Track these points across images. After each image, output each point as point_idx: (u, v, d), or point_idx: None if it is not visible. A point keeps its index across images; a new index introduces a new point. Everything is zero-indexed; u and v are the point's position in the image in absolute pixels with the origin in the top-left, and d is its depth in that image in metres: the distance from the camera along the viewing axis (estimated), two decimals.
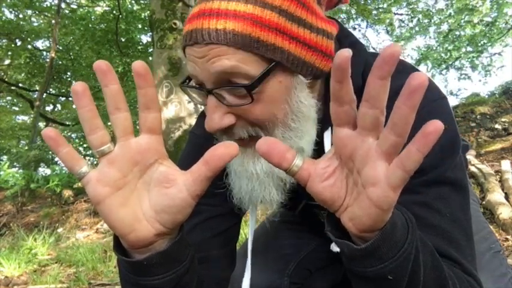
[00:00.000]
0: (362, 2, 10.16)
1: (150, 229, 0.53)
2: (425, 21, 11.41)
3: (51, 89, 12.44)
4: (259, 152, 0.50)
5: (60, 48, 11.45)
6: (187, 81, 0.73)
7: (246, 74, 0.63)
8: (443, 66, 12.66)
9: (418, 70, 0.80)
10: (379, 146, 0.45)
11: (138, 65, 0.49)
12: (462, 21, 10.74)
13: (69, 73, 12.35)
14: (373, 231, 0.49)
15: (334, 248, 0.76)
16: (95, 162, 0.57)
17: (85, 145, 10.97)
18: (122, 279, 0.62)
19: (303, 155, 0.52)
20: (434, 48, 12.39)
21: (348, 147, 0.48)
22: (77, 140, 11.96)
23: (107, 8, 11.21)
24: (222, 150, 0.51)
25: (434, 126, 0.40)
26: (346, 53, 0.43)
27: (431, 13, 11.09)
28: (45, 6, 11.29)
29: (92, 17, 11.21)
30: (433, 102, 0.71)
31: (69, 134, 12.77)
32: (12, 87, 11.74)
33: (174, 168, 0.54)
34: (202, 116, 0.96)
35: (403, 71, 0.76)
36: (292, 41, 0.65)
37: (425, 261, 0.54)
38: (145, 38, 11.93)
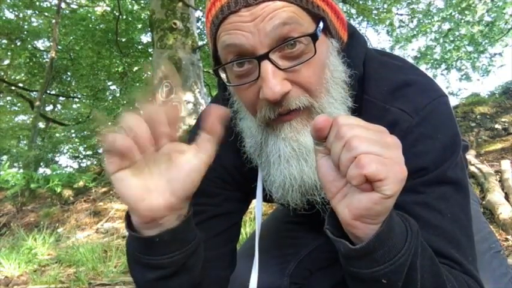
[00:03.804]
0: (362, 2, 10.16)
1: (160, 200, 0.55)
2: (426, 21, 11.39)
3: (51, 89, 12.42)
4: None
5: (60, 48, 11.43)
6: (218, 63, 0.71)
7: (301, 26, 0.64)
8: (444, 66, 12.65)
9: (417, 68, 0.80)
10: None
11: None
12: (462, 21, 10.72)
13: (69, 73, 12.33)
14: (367, 228, 0.49)
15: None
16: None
17: (85, 145, 10.94)
18: (130, 260, 0.63)
19: None
20: (433, 47, 12.37)
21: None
22: (77, 140, 11.94)
23: (107, 8, 11.20)
24: (213, 110, 0.55)
25: None
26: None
27: (431, 13, 11.08)
28: (45, 6, 11.28)
29: (92, 17, 11.19)
30: (433, 101, 0.71)
31: (69, 134, 12.75)
32: (12, 87, 11.73)
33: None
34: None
35: (403, 67, 0.77)
36: (328, 5, 0.69)
37: (423, 265, 0.54)
38: (145, 38, 11.93)
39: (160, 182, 0.55)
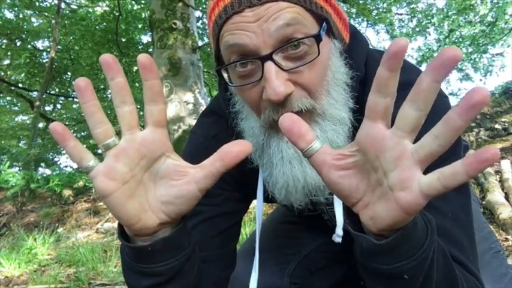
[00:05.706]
0: (362, 2, 10.15)
1: (154, 219, 0.54)
2: (426, 21, 11.38)
3: (51, 89, 12.41)
4: (282, 125, 0.49)
5: (60, 48, 11.43)
6: (220, 63, 0.71)
7: (305, 27, 0.64)
8: None
9: (418, 68, 0.80)
10: (416, 151, 0.43)
11: (143, 57, 0.49)
12: (463, 21, 10.70)
13: (69, 73, 12.32)
14: (391, 231, 0.48)
15: (336, 238, 0.76)
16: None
17: (85, 145, 10.93)
18: (124, 267, 0.62)
19: (322, 142, 0.51)
20: (435, 49, 12.34)
21: (377, 145, 0.46)
22: None
23: (106, 8, 11.19)
24: (238, 148, 0.51)
25: (492, 153, 0.38)
26: (404, 41, 0.41)
27: (431, 13, 11.06)
28: (45, 6, 11.27)
29: (92, 17, 11.18)
30: (434, 102, 0.71)
31: None
32: (12, 87, 11.72)
33: (182, 161, 0.55)
34: (203, 116, 0.95)
35: (405, 68, 0.77)
36: (331, 6, 0.69)
37: (438, 259, 0.53)
38: (145, 38, 11.92)
39: (156, 203, 0.54)
